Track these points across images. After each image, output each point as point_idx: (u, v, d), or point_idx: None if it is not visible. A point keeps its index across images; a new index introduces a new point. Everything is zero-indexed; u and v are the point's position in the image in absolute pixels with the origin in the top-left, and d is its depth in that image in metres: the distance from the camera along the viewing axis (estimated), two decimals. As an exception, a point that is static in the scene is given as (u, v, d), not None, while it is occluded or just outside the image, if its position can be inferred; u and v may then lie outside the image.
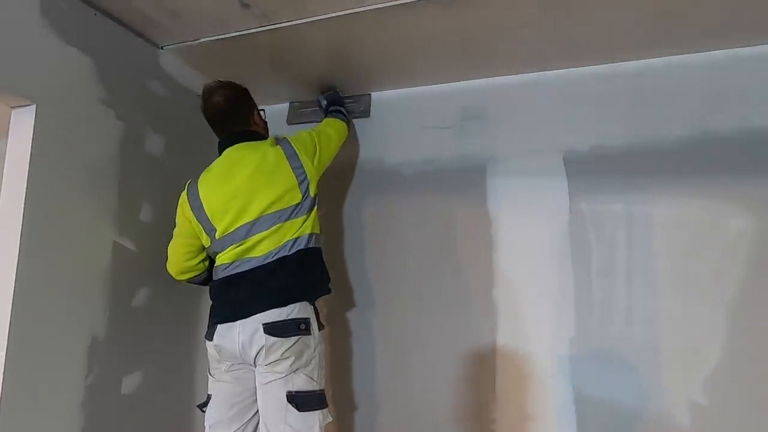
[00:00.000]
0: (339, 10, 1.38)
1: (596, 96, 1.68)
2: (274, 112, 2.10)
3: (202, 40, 1.58)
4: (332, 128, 1.63)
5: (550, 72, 1.74)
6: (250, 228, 1.32)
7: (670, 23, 1.43)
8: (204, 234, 1.39)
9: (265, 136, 1.54)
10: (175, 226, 1.47)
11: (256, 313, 1.26)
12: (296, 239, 1.34)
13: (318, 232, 1.43)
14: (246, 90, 1.51)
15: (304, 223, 1.36)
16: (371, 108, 1.93)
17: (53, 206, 1.26)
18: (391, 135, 1.92)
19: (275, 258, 1.31)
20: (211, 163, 1.48)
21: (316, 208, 1.42)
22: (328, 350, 1.87)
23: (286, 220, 1.33)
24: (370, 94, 1.94)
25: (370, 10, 1.37)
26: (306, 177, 1.39)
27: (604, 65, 1.68)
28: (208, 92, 1.44)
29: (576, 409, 1.58)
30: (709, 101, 1.56)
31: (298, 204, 1.35)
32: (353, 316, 1.87)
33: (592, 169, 1.66)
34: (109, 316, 1.41)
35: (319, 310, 1.39)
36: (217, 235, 1.36)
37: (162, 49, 1.65)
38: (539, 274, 1.67)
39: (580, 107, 1.69)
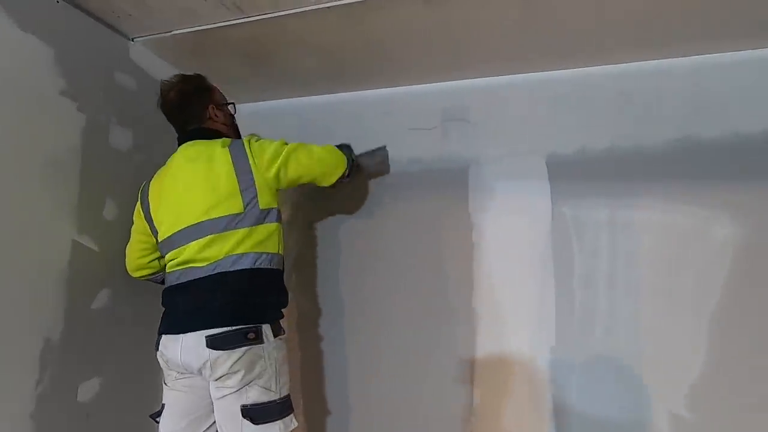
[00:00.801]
0: (314, 3, 1.33)
1: (580, 99, 1.64)
2: (256, 109, 2.06)
3: (174, 32, 1.52)
4: (323, 150, 1.39)
5: (534, 74, 1.70)
6: (187, 234, 1.23)
7: (656, 27, 1.41)
8: (152, 234, 1.35)
9: (225, 133, 1.39)
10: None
11: (198, 329, 1.17)
12: (240, 256, 1.20)
13: (274, 251, 1.27)
14: (203, 84, 1.40)
15: (245, 238, 1.21)
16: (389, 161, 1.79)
17: (4, 201, 1.18)
18: (373, 136, 1.87)
19: (215, 272, 1.20)
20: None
21: (275, 225, 1.27)
22: (299, 356, 1.81)
23: (222, 230, 1.20)
24: (385, 147, 1.79)
25: (344, 4, 1.32)
26: (253, 185, 1.23)
27: (589, 68, 1.64)
28: (165, 88, 1.38)
29: (555, 421, 1.54)
30: (695, 106, 1.53)
31: (238, 214, 1.21)
32: (326, 321, 1.82)
33: (575, 174, 1.62)
34: (66, 318, 1.33)
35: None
36: (159, 238, 1.31)
37: (133, 41, 1.58)
38: (520, 280, 1.63)
39: (564, 110, 1.66)
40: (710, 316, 1.44)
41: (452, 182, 1.75)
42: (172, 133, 1.73)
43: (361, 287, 1.80)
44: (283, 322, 1.30)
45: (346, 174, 1.46)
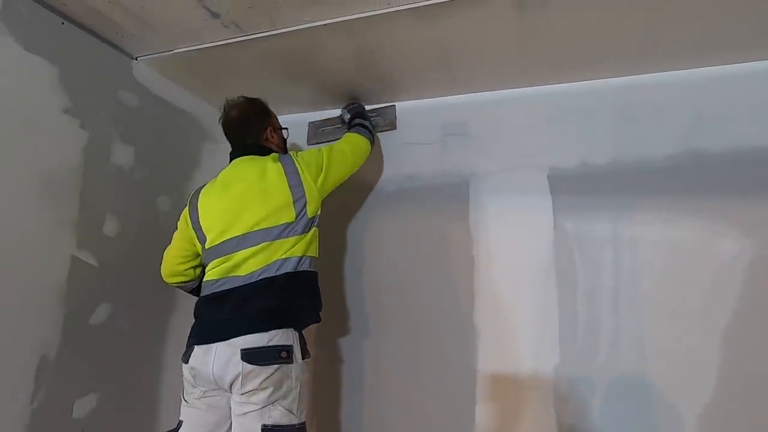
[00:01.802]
0: (308, 21, 1.35)
1: (582, 112, 1.63)
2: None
3: (176, 50, 1.56)
4: (349, 144, 1.54)
5: (535, 87, 1.70)
6: (237, 243, 1.27)
7: (658, 39, 1.40)
8: (197, 242, 1.37)
9: (277, 152, 1.46)
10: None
11: (234, 337, 1.18)
12: (285, 260, 1.26)
13: (314, 255, 1.35)
14: (263, 107, 1.50)
15: (296, 244, 1.28)
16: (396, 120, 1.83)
17: (3, 216, 1.20)
18: (373, 151, 1.87)
19: (260, 278, 1.23)
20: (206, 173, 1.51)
21: (314, 230, 1.35)
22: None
23: (275, 238, 1.26)
24: (394, 105, 1.84)
25: (341, 21, 1.34)
26: (303, 195, 1.31)
27: (590, 81, 1.63)
28: (228, 106, 1.46)
29: (559, 442, 1.48)
30: (698, 119, 1.51)
31: (290, 223, 1.28)
32: (320, 337, 1.79)
33: (577, 188, 1.60)
34: (63, 334, 1.34)
35: (305, 337, 1.29)
36: (206, 245, 1.33)
37: (136, 59, 1.62)
38: (522, 296, 1.60)
39: (566, 124, 1.64)
40: (719, 333, 1.39)
41: (452, 196, 1.73)
42: (174, 150, 1.78)
43: (358, 302, 1.78)
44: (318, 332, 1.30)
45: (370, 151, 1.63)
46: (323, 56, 1.55)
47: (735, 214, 1.42)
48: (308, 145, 1.95)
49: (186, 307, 1.79)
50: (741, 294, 1.39)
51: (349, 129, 1.68)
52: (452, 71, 1.63)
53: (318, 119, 1.96)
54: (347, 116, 1.77)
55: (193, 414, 1.24)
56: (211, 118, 1.98)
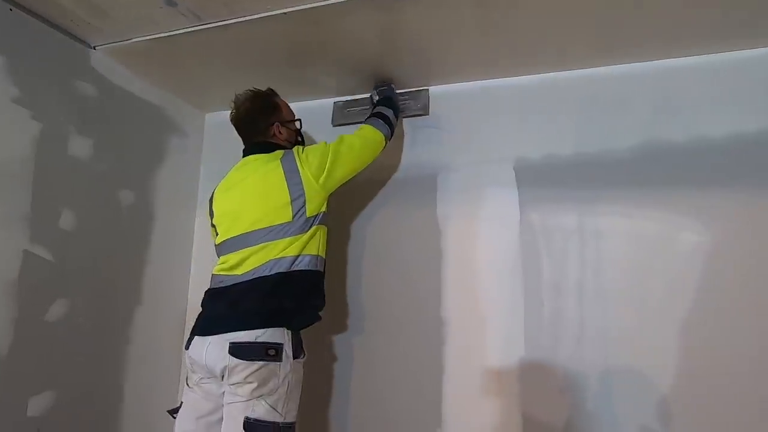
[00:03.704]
0: (268, 10, 1.32)
1: (547, 104, 1.63)
2: (225, 118, 2.04)
3: (134, 39, 1.51)
4: (360, 138, 1.45)
5: (501, 79, 1.69)
6: (238, 242, 1.29)
7: (620, 31, 1.40)
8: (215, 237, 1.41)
9: (286, 147, 1.43)
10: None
11: (225, 332, 1.20)
12: (279, 260, 1.25)
13: (314, 253, 1.31)
14: (270, 101, 1.46)
15: (292, 243, 1.26)
16: (429, 104, 1.75)
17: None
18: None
19: (252, 278, 1.25)
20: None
21: (316, 228, 1.32)
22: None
23: (273, 238, 1.26)
24: (428, 89, 1.76)
25: (301, 9, 1.31)
26: (302, 194, 1.29)
27: (554, 73, 1.63)
28: (236, 101, 1.44)
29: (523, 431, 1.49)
30: (661, 110, 1.51)
31: (287, 223, 1.27)
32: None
33: (543, 179, 1.60)
34: (15, 331, 1.30)
35: (301, 337, 1.29)
36: (216, 241, 1.37)
37: (94, 48, 1.57)
38: (488, 288, 1.60)
39: (531, 115, 1.64)
40: (680, 323, 1.41)
41: (420, 189, 1.72)
42: (135, 141, 1.73)
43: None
44: (315, 332, 1.31)
45: (386, 144, 1.54)
46: (284, 45, 1.51)
47: (695, 206, 1.44)
48: (332, 126, 1.86)
49: (153, 301, 1.77)
50: (701, 285, 1.40)
51: (369, 116, 1.58)
52: (417, 62, 1.61)
53: (342, 100, 1.85)
54: (376, 98, 1.68)
55: (192, 397, 1.28)
56: (180, 111, 1.95)
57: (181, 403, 1.31)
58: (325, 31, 1.42)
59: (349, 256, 1.76)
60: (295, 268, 1.27)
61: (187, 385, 1.31)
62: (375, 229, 1.76)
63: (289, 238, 1.27)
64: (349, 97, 1.87)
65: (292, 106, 1.56)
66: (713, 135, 1.45)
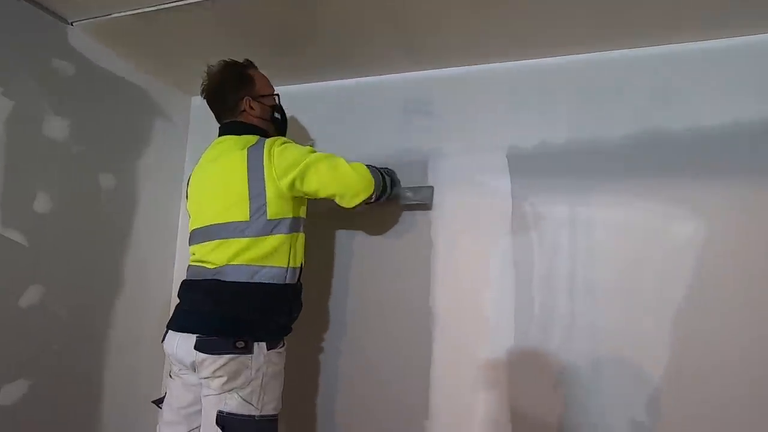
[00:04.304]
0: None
1: (541, 90, 1.58)
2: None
3: (115, 15, 1.45)
4: (351, 167, 1.25)
5: (494, 64, 1.64)
6: (202, 234, 1.23)
7: (618, 16, 1.35)
8: None
9: (261, 127, 1.30)
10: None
11: (190, 331, 1.16)
12: (236, 267, 1.15)
13: (285, 265, 1.18)
14: (241, 73, 1.30)
15: (246, 248, 1.14)
16: (433, 199, 1.61)
17: None
18: (331, 128, 1.81)
19: (214, 278, 1.17)
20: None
21: (287, 237, 1.18)
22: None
23: (229, 236, 1.16)
24: (432, 187, 1.61)
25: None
26: (263, 192, 1.15)
27: (549, 58, 1.58)
28: (207, 74, 1.33)
29: (512, 426, 1.47)
30: (657, 98, 1.47)
31: (243, 222, 1.15)
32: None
33: (536, 168, 1.56)
34: (-14, 317, 1.25)
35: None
36: (189, 228, 1.30)
37: (72, 24, 1.51)
38: (478, 278, 1.56)
39: (525, 102, 1.60)
40: (671, 316, 1.38)
41: (412, 176, 1.67)
42: (115, 122, 1.67)
43: (309, 289, 1.73)
44: (302, 326, 1.26)
45: (372, 200, 1.33)
46: (274, 23, 1.45)
47: (688, 197, 1.40)
48: None
49: (135, 289, 1.72)
50: (694, 278, 1.37)
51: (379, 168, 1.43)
52: (410, 45, 1.56)
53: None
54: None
55: (174, 387, 1.24)
56: (164, 94, 1.89)
57: (166, 392, 1.28)
58: (318, 7, 1.36)
59: (335, 248, 1.72)
60: (256, 279, 1.15)
61: (170, 375, 1.28)
62: (361, 219, 1.71)
63: (246, 239, 1.14)
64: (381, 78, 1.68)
65: (286, 90, 1.48)
66: (710, 124, 1.41)
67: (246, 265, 1.16)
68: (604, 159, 1.49)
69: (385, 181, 1.40)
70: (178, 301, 1.28)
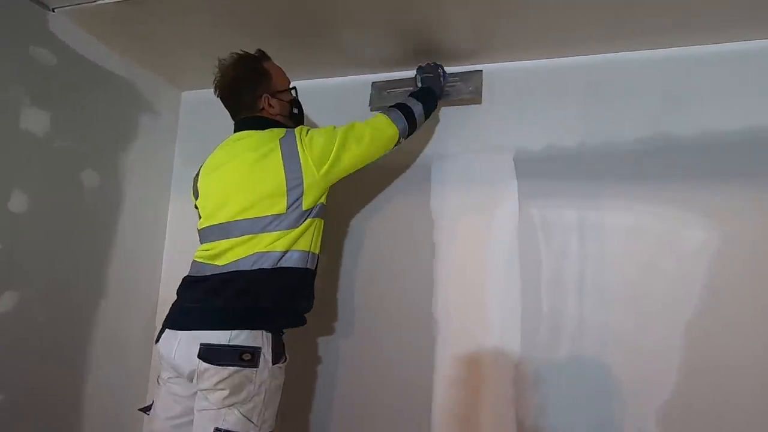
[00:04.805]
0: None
1: (550, 91, 1.54)
2: (198, 97, 1.89)
3: (100, 1, 1.35)
4: (371, 129, 1.25)
5: (501, 64, 1.58)
6: (221, 231, 1.15)
7: (630, 16, 1.30)
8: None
9: (281, 123, 1.26)
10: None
11: (196, 329, 1.08)
12: (263, 254, 1.11)
13: (306, 249, 1.16)
14: (258, 68, 1.25)
15: (280, 237, 1.12)
16: (482, 89, 1.54)
17: None
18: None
19: (232, 270, 1.11)
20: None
21: (311, 222, 1.17)
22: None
23: (260, 231, 1.11)
24: (481, 71, 1.53)
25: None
26: (300, 184, 1.13)
27: (559, 59, 1.53)
28: (220, 67, 1.25)
29: (517, 430, 1.41)
30: (669, 100, 1.43)
31: (279, 215, 1.12)
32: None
33: (544, 171, 1.51)
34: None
35: (282, 340, 1.16)
36: (198, 226, 1.23)
37: (53, 11, 1.40)
38: (484, 283, 1.51)
39: (533, 103, 1.55)
40: (684, 324, 1.34)
41: (414, 178, 1.61)
42: (99, 115, 1.56)
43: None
44: (297, 332, 1.19)
45: (406, 137, 1.35)
46: (288, 8, 1.35)
47: (701, 202, 1.37)
48: (370, 110, 1.63)
49: (120, 293, 1.63)
50: (706, 285, 1.34)
51: (393, 104, 1.37)
52: (415, 43, 1.49)
53: (382, 80, 1.65)
54: (418, 83, 1.49)
55: (163, 395, 1.17)
56: (153, 87, 1.79)
57: (153, 401, 1.20)
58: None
59: (331, 251, 1.65)
60: (281, 264, 1.13)
61: (158, 381, 1.19)
62: (360, 222, 1.65)
63: (278, 232, 1.12)
64: (390, 75, 1.63)
65: (304, 83, 1.39)
66: (723, 128, 1.38)
67: (273, 251, 1.12)
68: (615, 162, 1.45)
69: (414, 115, 1.35)
70: (167, 305, 1.20)
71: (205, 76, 1.71)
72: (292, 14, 1.37)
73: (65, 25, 1.43)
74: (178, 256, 1.80)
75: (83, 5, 1.38)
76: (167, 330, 1.14)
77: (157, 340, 1.17)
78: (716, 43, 1.41)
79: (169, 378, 1.15)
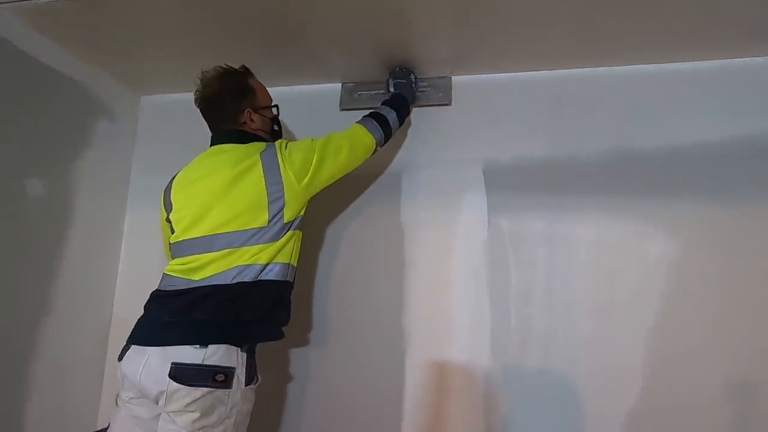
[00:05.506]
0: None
1: (518, 104, 1.56)
2: (161, 101, 1.81)
3: (50, -1, 1.26)
4: (349, 140, 1.28)
5: (471, 76, 1.60)
6: (200, 245, 1.13)
7: (594, 34, 1.35)
8: (171, 234, 1.21)
9: (262, 138, 1.26)
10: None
11: (169, 344, 1.03)
12: (245, 267, 1.10)
13: (286, 261, 1.16)
14: (241, 85, 1.25)
15: (262, 251, 1.11)
16: (452, 93, 1.59)
17: None
18: (299, 138, 1.69)
19: (211, 284, 1.08)
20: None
21: (293, 234, 1.17)
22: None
23: (242, 244, 1.10)
24: (450, 78, 1.59)
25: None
26: (282, 196, 1.13)
27: (527, 72, 1.57)
28: (203, 79, 1.25)
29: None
30: (631, 115, 1.49)
31: (261, 228, 1.11)
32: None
33: (512, 183, 1.53)
34: None
35: (255, 359, 1.12)
36: (172, 240, 1.19)
37: (-3, 6, 1.30)
38: (453, 295, 1.50)
39: (502, 114, 1.57)
40: (645, 333, 1.38)
41: (384, 189, 1.60)
42: (48, 123, 1.46)
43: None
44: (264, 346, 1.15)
45: (377, 150, 1.38)
46: (260, 15, 1.31)
47: (660, 214, 1.42)
48: (340, 110, 1.66)
49: (68, 312, 1.51)
50: (666, 294, 1.38)
51: (366, 114, 1.40)
52: (389, 55, 1.48)
53: (352, 82, 1.65)
54: (391, 88, 1.53)
55: (123, 417, 1.09)
56: (109, 89, 1.69)
57: (109, 424, 1.12)
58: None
59: (309, 259, 1.60)
60: (262, 277, 1.12)
61: (116, 402, 1.12)
62: (331, 233, 1.61)
63: (260, 245, 1.11)
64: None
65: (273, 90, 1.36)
66: (683, 143, 1.44)
67: (255, 264, 1.11)
68: (580, 175, 1.49)
69: (388, 123, 1.39)
70: (122, 321, 1.12)
71: (166, 80, 1.64)
72: (256, 20, 1.33)
73: (10, 21, 1.33)
74: (136, 270, 1.70)
75: (31, 1, 1.28)
76: (133, 346, 1.08)
77: (120, 358, 1.10)
78: (677, 62, 1.48)
79: (130, 399, 1.08)
